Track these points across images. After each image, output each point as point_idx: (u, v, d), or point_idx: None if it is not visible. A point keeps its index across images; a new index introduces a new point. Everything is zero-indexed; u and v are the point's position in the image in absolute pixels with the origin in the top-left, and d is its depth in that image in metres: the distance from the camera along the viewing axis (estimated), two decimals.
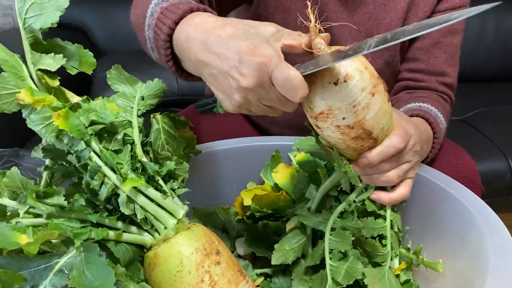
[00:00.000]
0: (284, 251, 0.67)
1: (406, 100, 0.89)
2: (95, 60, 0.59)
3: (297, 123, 0.97)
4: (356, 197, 0.67)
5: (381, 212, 0.68)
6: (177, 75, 0.62)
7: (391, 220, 0.67)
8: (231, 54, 0.49)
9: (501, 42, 2.13)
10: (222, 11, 0.84)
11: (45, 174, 0.62)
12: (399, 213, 0.70)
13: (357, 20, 0.90)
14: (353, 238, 0.63)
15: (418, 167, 0.69)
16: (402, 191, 0.61)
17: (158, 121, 0.65)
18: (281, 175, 0.74)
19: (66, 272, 0.49)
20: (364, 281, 0.61)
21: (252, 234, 0.71)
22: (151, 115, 0.66)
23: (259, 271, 0.70)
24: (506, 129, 1.72)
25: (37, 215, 0.53)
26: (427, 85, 0.92)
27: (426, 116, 0.79)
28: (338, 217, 0.66)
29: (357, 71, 0.51)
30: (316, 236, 0.69)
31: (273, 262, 0.66)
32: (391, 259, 0.66)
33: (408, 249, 0.73)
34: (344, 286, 0.60)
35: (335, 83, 0.50)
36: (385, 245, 0.66)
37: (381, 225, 0.66)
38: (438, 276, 0.68)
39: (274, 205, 0.72)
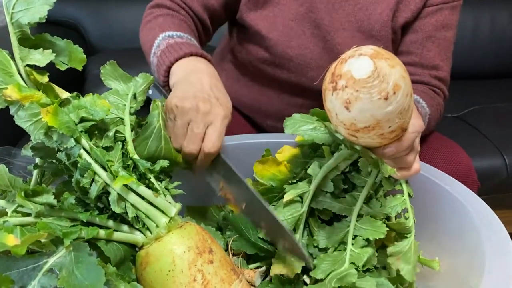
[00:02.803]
0: None
1: None
2: (85, 56, 0.58)
3: (289, 116, 0.97)
4: (375, 179, 0.66)
5: (398, 186, 0.67)
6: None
7: (408, 192, 0.67)
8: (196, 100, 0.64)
9: (496, 39, 2.13)
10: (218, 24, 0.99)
11: (35, 173, 0.61)
12: (409, 183, 0.69)
13: (349, 11, 0.90)
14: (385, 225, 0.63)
15: None
16: (416, 167, 0.63)
17: (158, 106, 0.64)
18: (285, 155, 0.73)
19: (57, 272, 0.48)
20: (388, 260, 0.62)
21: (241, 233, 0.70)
22: (152, 100, 0.65)
23: (253, 265, 0.69)
24: (501, 126, 1.72)
25: (26, 214, 0.52)
26: (420, 78, 0.92)
27: None
28: (364, 203, 0.66)
29: (401, 78, 0.49)
30: (312, 213, 0.68)
31: (262, 235, 0.66)
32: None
33: None
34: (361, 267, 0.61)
35: (386, 98, 0.48)
36: (408, 218, 0.65)
37: (402, 200, 0.66)
38: (434, 274, 0.68)
39: (274, 177, 0.71)
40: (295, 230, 0.67)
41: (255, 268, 0.69)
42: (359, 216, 0.65)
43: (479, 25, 2.13)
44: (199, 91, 0.66)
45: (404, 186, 0.67)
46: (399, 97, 0.49)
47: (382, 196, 0.66)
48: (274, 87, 0.98)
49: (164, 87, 0.76)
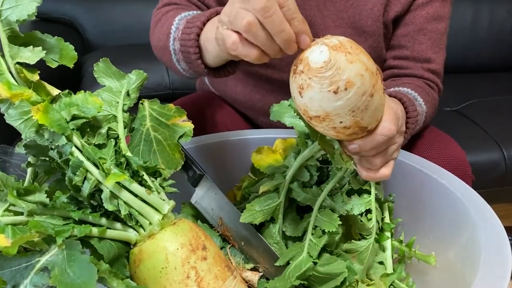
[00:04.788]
0: (253, 212, 0.67)
1: (392, 87, 0.88)
2: (76, 53, 0.57)
3: None
4: (344, 173, 0.68)
5: (366, 187, 0.69)
6: (205, 74, 0.72)
7: (375, 194, 0.69)
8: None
9: (494, 32, 2.13)
10: None
11: (29, 171, 0.60)
12: (380, 184, 0.72)
13: (340, 7, 0.90)
14: (339, 221, 0.65)
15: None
16: (384, 172, 0.58)
17: (145, 108, 0.64)
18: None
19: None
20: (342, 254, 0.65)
21: None
22: (140, 102, 0.64)
23: (249, 265, 0.69)
24: (500, 120, 1.72)
25: (18, 213, 0.52)
26: (413, 72, 0.92)
27: (399, 96, 0.77)
28: (329, 195, 0.67)
29: (358, 76, 0.47)
30: (292, 203, 0.70)
31: (241, 220, 0.67)
32: (376, 233, 0.69)
33: (401, 242, 0.72)
34: (316, 259, 0.64)
35: (335, 92, 0.47)
36: (370, 219, 0.68)
37: (367, 200, 0.68)
38: (431, 269, 0.68)
39: (271, 166, 0.71)
40: (273, 220, 0.69)
41: (252, 269, 0.69)
42: (322, 208, 0.67)
43: (477, 18, 2.13)
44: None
45: (373, 187, 0.68)
46: (351, 94, 0.47)
47: (344, 192, 0.68)
48: (267, 85, 0.97)
49: (197, 61, 0.70)
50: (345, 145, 0.55)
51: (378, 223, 0.69)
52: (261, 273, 0.68)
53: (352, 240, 0.68)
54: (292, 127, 0.76)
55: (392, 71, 0.94)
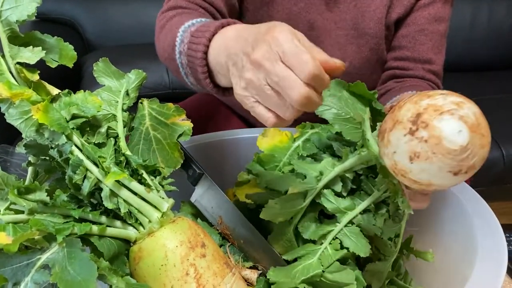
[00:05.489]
0: (275, 209, 0.63)
1: (398, 90, 0.89)
2: (75, 53, 0.58)
3: None
4: (383, 193, 0.62)
5: (399, 211, 0.64)
6: (214, 92, 0.67)
7: (405, 220, 0.64)
8: (251, 36, 0.49)
9: (493, 31, 2.13)
10: None
11: (29, 170, 0.61)
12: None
13: (343, 9, 0.90)
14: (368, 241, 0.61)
15: None
16: (423, 205, 0.57)
17: (145, 107, 0.64)
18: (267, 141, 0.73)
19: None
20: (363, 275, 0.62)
21: None
22: (139, 101, 0.65)
23: (248, 264, 0.70)
24: (499, 118, 1.71)
25: (19, 212, 0.53)
26: (414, 73, 0.92)
27: None
28: (361, 213, 0.63)
29: (481, 161, 0.43)
30: (314, 206, 0.66)
31: (261, 216, 0.64)
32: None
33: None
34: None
35: (455, 174, 0.43)
36: (396, 243, 0.64)
37: (398, 225, 0.63)
38: (428, 265, 0.68)
39: (276, 148, 0.70)
40: (292, 219, 0.66)
41: (251, 267, 0.70)
42: (350, 223, 0.63)
43: (476, 17, 2.13)
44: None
45: (406, 213, 0.63)
46: (466, 176, 0.44)
47: (380, 216, 0.63)
48: None
49: (205, 80, 0.65)
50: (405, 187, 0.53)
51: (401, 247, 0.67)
52: (260, 271, 0.68)
53: (376, 261, 0.64)
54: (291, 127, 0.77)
55: (393, 72, 0.94)
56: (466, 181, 0.88)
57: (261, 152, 0.73)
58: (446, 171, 0.43)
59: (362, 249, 0.61)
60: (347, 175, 0.63)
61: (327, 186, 0.64)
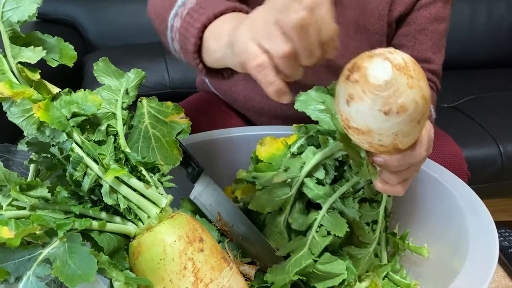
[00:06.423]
0: (262, 199, 0.67)
1: None
2: (75, 53, 0.59)
3: (283, 113, 0.98)
4: (359, 181, 0.66)
5: (378, 197, 0.68)
6: (198, 70, 0.64)
7: (385, 207, 0.68)
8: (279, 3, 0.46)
9: (492, 28, 2.14)
10: None
11: (31, 168, 0.62)
12: (391, 197, 0.70)
13: (345, 4, 0.89)
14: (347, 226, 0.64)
15: None
16: (399, 189, 0.57)
17: (144, 106, 0.65)
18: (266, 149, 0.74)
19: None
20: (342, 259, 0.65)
21: None
22: (138, 99, 0.66)
23: (246, 260, 0.71)
24: (497, 115, 1.73)
25: (21, 208, 0.54)
26: None
27: None
28: (340, 197, 0.66)
29: (413, 103, 0.45)
30: (303, 196, 0.68)
31: (249, 207, 0.66)
32: (378, 243, 0.68)
33: (395, 234, 0.74)
34: (317, 258, 0.63)
35: (386, 113, 0.45)
36: (375, 230, 0.67)
37: (376, 211, 0.67)
38: (423, 260, 0.69)
39: (273, 156, 0.71)
40: (281, 210, 0.68)
41: (249, 263, 0.71)
42: (332, 209, 0.66)
43: (475, 14, 2.13)
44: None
45: (384, 199, 0.67)
46: (400, 119, 0.45)
47: (357, 198, 0.67)
48: None
49: (194, 60, 0.62)
50: (371, 155, 0.54)
51: (381, 234, 0.69)
52: (258, 267, 0.69)
53: (352, 246, 0.67)
54: (289, 126, 0.78)
55: None
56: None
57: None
58: (376, 110, 0.45)
59: (340, 228, 0.64)
60: (328, 162, 0.66)
61: (310, 174, 0.67)
